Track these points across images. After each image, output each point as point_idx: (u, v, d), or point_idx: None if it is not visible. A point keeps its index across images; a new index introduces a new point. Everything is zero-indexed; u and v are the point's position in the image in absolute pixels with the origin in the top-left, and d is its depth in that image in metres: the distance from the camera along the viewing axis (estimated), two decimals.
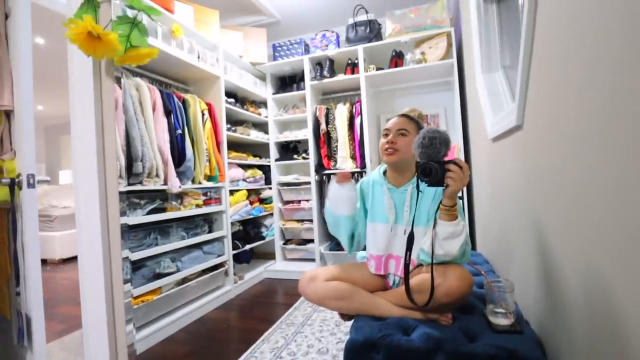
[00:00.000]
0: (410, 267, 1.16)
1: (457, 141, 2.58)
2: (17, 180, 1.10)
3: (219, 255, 2.47)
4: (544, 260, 1.02)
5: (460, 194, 1.23)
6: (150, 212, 1.93)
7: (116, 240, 0.83)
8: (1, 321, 1.30)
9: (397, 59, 2.85)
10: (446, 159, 1.07)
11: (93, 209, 0.83)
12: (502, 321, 1.03)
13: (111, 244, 0.85)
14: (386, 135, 1.29)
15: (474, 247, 2.39)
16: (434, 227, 1.08)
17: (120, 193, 0.83)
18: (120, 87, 1.73)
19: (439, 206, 1.08)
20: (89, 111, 0.73)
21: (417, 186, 1.13)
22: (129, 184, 1.78)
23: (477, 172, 2.19)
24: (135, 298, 1.79)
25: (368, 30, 2.90)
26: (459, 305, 1.11)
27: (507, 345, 0.91)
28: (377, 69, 2.84)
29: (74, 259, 4.11)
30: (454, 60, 2.59)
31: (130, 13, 0.75)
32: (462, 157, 2.57)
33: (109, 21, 0.74)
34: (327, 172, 2.94)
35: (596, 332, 0.71)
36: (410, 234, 1.13)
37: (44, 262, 4.01)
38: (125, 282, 0.87)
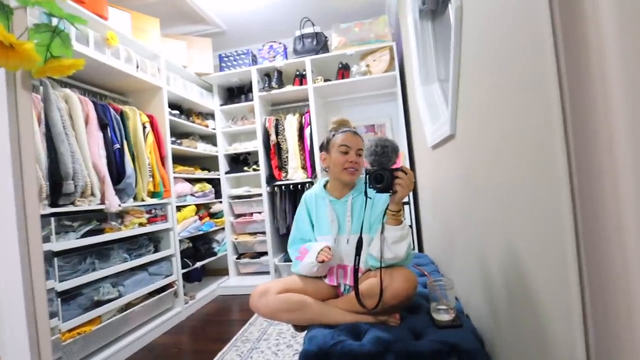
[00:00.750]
0: (359, 274, 1.18)
1: (402, 149, 2.71)
2: None
3: (167, 276, 2.33)
4: (477, 255, 1.10)
5: (406, 199, 1.29)
6: (85, 235, 1.77)
7: (38, 270, 0.75)
8: None
9: (344, 70, 2.93)
10: (394, 166, 1.12)
11: (9, 236, 0.74)
12: (444, 317, 1.10)
13: (33, 275, 0.76)
14: (346, 152, 1.29)
15: (421, 250, 2.51)
16: (382, 232, 1.12)
17: (43, 216, 0.75)
18: (41, 98, 1.58)
19: (385, 212, 1.13)
20: (1, 127, 0.65)
21: (365, 192, 1.17)
22: (59, 205, 1.62)
23: (421, 178, 2.31)
24: (69, 331, 1.62)
25: (315, 42, 2.96)
26: (406, 305, 1.17)
27: (449, 340, 0.98)
28: (325, 80, 2.90)
29: None
30: (397, 72, 2.73)
31: (52, 20, 0.69)
32: (408, 164, 2.70)
33: (24, 29, 0.67)
34: (278, 183, 2.93)
35: (519, 324, 0.78)
36: (359, 240, 1.16)
37: None
38: (52, 316, 0.78)
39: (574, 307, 0.51)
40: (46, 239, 0.71)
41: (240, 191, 3.12)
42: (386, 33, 2.80)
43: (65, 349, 1.57)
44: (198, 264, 2.76)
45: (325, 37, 3.01)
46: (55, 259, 1.57)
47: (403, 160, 2.65)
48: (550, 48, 0.49)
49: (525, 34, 0.60)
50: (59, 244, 1.59)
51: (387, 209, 1.13)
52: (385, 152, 1.11)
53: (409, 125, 2.70)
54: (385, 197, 1.17)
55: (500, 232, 0.85)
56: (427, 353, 0.97)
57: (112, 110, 2.03)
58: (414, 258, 1.37)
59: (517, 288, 0.77)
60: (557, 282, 0.57)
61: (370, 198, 1.20)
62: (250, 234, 3.14)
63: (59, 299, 1.57)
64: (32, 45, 0.63)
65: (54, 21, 0.76)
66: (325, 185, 1.40)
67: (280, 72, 3.02)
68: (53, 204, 1.59)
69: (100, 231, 1.87)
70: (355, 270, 1.13)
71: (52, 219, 1.58)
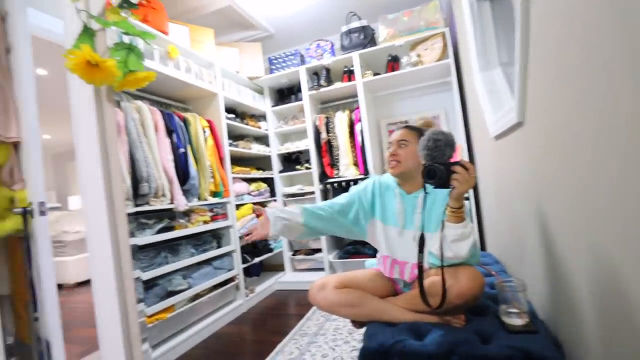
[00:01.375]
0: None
1: (459, 141, 2.58)
2: (28, 209, 1.13)
3: (229, 270, 2.47)
4: (553, 256, 1.00)
5: (466, 195, 1.23)
6: (159, 232, 1.95)
7: (127, 262, 0.84)
8: (22, 347, 1.32)
9: (394, 63, 2.86)
10: (452, 160, 1.07)
11: (102, 232, 0.85)
12: (516, 321, 1.01)
13: (122, 265, 0.86)
14: (389, 149, 1.31)
15: (483, 248, 2.37)
16: (442, 229, 1.08)
17: (128, 215, 0.85)
18: (122, 111, 1.76)
19: (445, 208, 1.08)
20: (92, 137, 0.74)
21: (424, 188, 1.13)
22: (137, 205, 1.80)
23: (482, 172, 2.18)
24: (149, 317, 1.79)
25: (362, 36, 2.92)
26: (471, 306, 1.10)
27: (522, 346, 0.90)
28: (374, 75, 2.86)
29: (88, 282, 4.14)
30: (451, 60, 2.60)
31: (125, 39, 0.77)
32: (466, 157, 2.56)
33: (105, 48, 0.76)
34: (330, 180, 2.95)
35: (610, 325, 0.70)
36: (421, 237, 1.12)
37: (59, 286, 4.03)
38: (139, 301, 0.87)
39: None
40: (131, 235, 0.80)
41: (294, 189, 3.20)
42: (437, 19, 2.68)
43: (147, 332, 1.75)
44: (256, 260, 2.88)
45: (373, 30, 2.97)
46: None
47: (460, 153, 2.52)
48: None
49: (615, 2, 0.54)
50: (138, 239, 1.77)
51: (447, 205, 1.08)
52: (437, 146, 1.07)
53: (467, 116, 2.56)
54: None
55: (585, 232, 0.77)
56: (497, 358, 0.89)
57: (176, 117, 2.19)
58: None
59: (612, 297, 0.68)
60: None
61: (427, 193, 1.16)
62: None
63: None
64: (114, 62, 0.71)
65: (125, 39, 0.85)
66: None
67: (328, 70, 3.03)
68: (133, 204, 1.77)
69: (171, 228, 2.04)
70: (420, 267, 1.10)
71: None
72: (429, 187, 1.09)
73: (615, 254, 0.64)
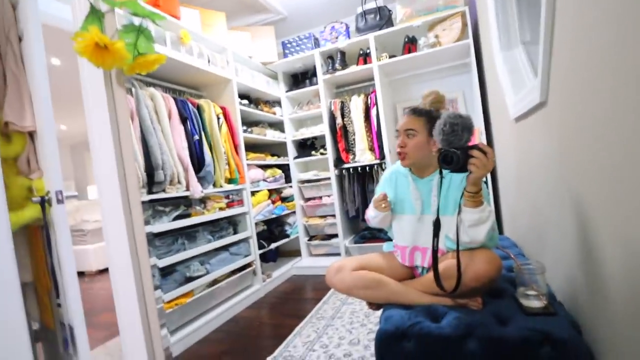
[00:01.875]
0: (438, 255, 1.13)
1: (477, 124, 2.49)
2: (46, 197, 1.15)
3: (245, 256, 2.50)
4: (580, 239, 0.96)
5: (484, 179, 1.18)
6: (175, 219, 1.98)
7: (143, 249, 0.85)
8: (46, 332, 1.37)
9: (410, 44, 2.77)
10: (469, 144, 1.03)
11: (118, 220, 0.85)
12: (535, 303, 1.00)
13: (139, 253, 0.87)
14: (398, 137, 1.27)
15: (501, 232, 2.31)
16: (459, 213, 1.05)
17: (143, 202, 0.85)
18: (133, 97, 1.76)
19: (463, 193, 1.05)
20: (104, 122, 0.74)
21: (440, 172, 1.10)
22: (152, 193, 1.82)
23: (501, 155, 2.11)
24: (168, 302, 1.84)
25: (378, 17, 2.83)
26: (488, 289, 1.09)
27: (541, 327, 0.89)
28: (390, 57, 2.77)
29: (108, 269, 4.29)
30: (470, 40, 2.49)
31: (135, 21, 0.76)
32: (484, 141, 2.48)
33: (114, 31, 0.75)
34: (346, 166, 2.92)
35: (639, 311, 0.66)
36: (436, 221, 1.10)
37: (81, 274, 4.20)
38: (156, 288, 0.88)
39: None
40: (146, 222, 0.81)
41: (309, 175, 3.19)
42: None
43: (167, 317, 1.80)
44: (273, 245, 2.91)
45: (389, 11, 2.87)
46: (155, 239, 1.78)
47: (479, 137, 2.44)
48: None
49: None
50: (155, 227, 1.80)
51: (465, 189, 1.05)
52: (454, 130, 1.02)
53: (485, 98, 2.47)
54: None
55: (611, 217, 0.73)
56: (516, 340, 0.89)
57: (190, 104, 2.19)
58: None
59: (639, 277, 0.65)
60: None
61: (443, 177, 1.13)
62: (320, 216, 3.21)
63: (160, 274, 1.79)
64: (122, 44, 0.70)
65: (135, 21, 0.83)
66: None
67: (343, 53, 2.97)
68: (148, 192, 1.80)
69: (187, 215, 2.07)
70: (434, 251, 1.08)
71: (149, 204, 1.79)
72: (445, 172, 1.06)
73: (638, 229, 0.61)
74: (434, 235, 1.09)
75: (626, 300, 0.72)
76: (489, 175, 2.39)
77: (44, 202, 1.15)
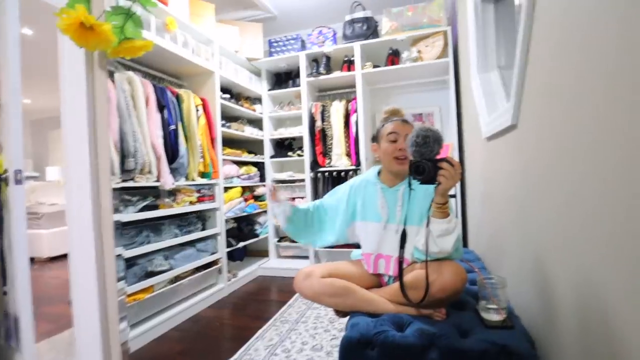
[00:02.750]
0: (404, 265, 1.18)
1: (451, 140, 2.59)
2: (3, 176, 1.07)
3: (212, 253, 2.45)
4: (535, 258, 1.03)
5: (453, 192, 1.24)
6: (142, 209, 1.91)
7: (109, 237, 0.81)
8: None
9: (394, 56, 2.84)
10: (438, 157, 1.08)
11: (85, 205, 0.81)
12: (494, 317, 1.04)
13: (104, 241, 0.83)
14: (394, 140, 1.27)
15: (466, 245, 2.41)
16: (427, 224, 1.09)
17: (114, 189, 0.81)
18: (113, 82, 1.69)
19: (431, 204, 1.09)
20: (80, 104, 0.71)
21: (410, 184, 1.14)
22: (122, 181, 1.75)
23: (472, 171, 2.20)
24: (127, 297, 1.76)
25: (365, 27, 2.88)
26: (452, 301, 1.13)
27: (498, 340, 0.93)
28: (374, 67, 2.83)
29: (62, 257, 4.05)
30: (450, 59, 2.59)
31: (124, 3, 0.73)
32: (457, 156, 2.58)
33: (102, 12, 0.72)
34: (322, 169, 2.93)
35: (586, 329, 0.72)
36: (403, 232, 1.13)
37: (31, 260, 3.94)
38: (119, 279, 0.85)
39: None
40: (115, 210, 0.77)
41: (284, 176, 3.18)
42: (441, 17, 2.67)
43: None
44: (241, 244, 2.86)
45: (376, 22, 2.93)
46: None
47: (452, 152, 2.53)
48: None
49: (617, 12, 0.53)
50: (122, 216, 1.72)
51: (432, 201, 1.09)
52: (426, 142, 1.06)
53: (460, 115, 2.57)
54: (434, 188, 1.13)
55: (565, 236, 0.79)
56: (475, 352, 0.93)
57: (169, 92, 2.13)
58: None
59: (587, 298, 0.70)
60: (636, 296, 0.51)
61: (412, 189, 1.16)
62: None
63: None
64: (109, 26, 0.67)
65: (124, 4, 0.80)
66: (378, 173, 1.38)
67: (328, 58, 2.99)
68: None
69: (155, 207, 2.00)
70: (400, 261, 1.11)
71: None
72: (414, 183, 1.10)
73: (595, 260, 0.66)
74: (400, 246, 1.12)
75: (575, 319, 0.78)
76: (458, 190, 2.49)
77: (0, 181, 1.07)
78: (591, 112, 0.65)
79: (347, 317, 1.21)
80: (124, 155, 1.71)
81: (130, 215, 1.81)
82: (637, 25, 0.49)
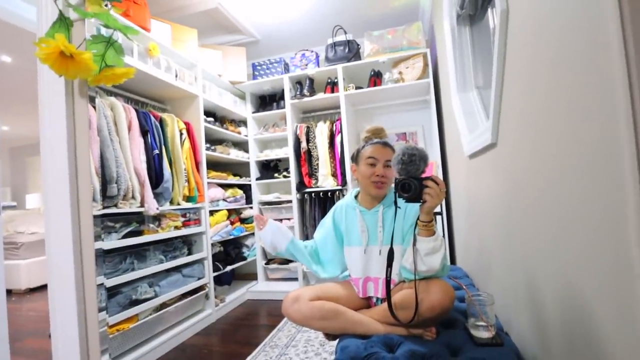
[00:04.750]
0: (391, 285, 1.18)
1: (435, 158, 2.64)
2: None
3: (199, 278, 2.39)
4: (521, 274, 1.04)
5: (439, 209, 1.25)
6: (126, 236, 1.86)
7: (90, 266, 0.79)
8: None
9: (376, 78, 2.92)
10: (423, 175, 1.10)
11: (65, 233, 0.79)
12: (484, 334, 1.04)
13: (85, 270, 0.80)
14: (373, 164, 1.28)
15: (454, 262, 2.42)
16: (415, 244, 1.09)
17: (95, 217, 0.79)
18: (95, 108, 1.68)
19: (417, 223, 1.10)
20: (60, 132, 0.69)
21: (395, 202, 1.15)
22: (104, 207, 1.71)
23: (455, 188, 2.24)
24: (110, 327, 1.69)
25: (347, 50, 2.97)
26: (442, 319, 1.12)
27: (488, 358, 0.93)
28: (357, 88, 2.90)
29: (41, 288, 3.87)
30: (430, 80, 2.68)
31: (105, 32, 0.74)
32: (440, 174, 2.63)
33: (82, 40, 0.72)
34: (308, 190, 2.94)
35: (573, 344, 0.72)
36: (390, 251, 1.14)
37: (8, 292, 3.76)
38: (100, 310, 0.81)
39: None
40: (97, 238, 0.75)
41: (271, 197, 3.16)
42: (420, 40, 2.77)
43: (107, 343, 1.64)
44: (229, 268, 2.81)
45: (358, 45, 3.02)
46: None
47: (435, 170, 2.58)
48: (618, 47, 0.45)
49: (583, 34, 0.57)
50: (104, 243, 1.67)
51: (418, 219, 1.10)
52: (412, 160, 1.08)
53: (443, 133, 2.64)
54: (417, 207, 1.14)
55: (549, 250, 0.80)
56: None
57: (152, 117, 2.12)
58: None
59: (573, 313, 0.71)
60: (623, 312, 0.52)
61: (399, 207, 1.17)
62: None
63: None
64: (90, 55, 0.67)
65: (105, 33, 0.81)
66: (356, 196, 1.39)
67: (312, 80, 3.05)
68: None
69: (139, 233, 1.95)
70: (387, 282, 1.11)
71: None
72: (401, 201, 1.11)
73: (577, 272, 0.67)
74: (387, 265, 1.12)
75: (563, 335, 0.78)
76: (444, 207, 2.52)
77: None
78: (564, 128, 0.68)
79: (337, 340, 1.19)
80: (106, 181, 1.68)
81: (113, 242, 1.76)
82: (601, 46, 0.52)
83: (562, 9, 0.63)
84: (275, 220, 3.14)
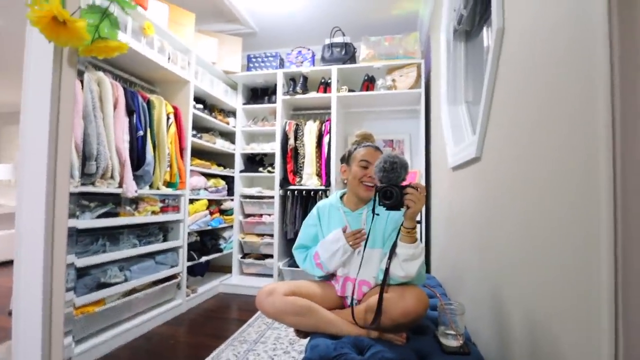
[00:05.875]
0: (367, 289, 1.22)
1: (419, 167, 2.68)
2: None
3: (172, 266, 2.34)
4: (492, 285, 1.07)
5: (418, 218, 1.27)
6: (100, 216, 1.80)
7: (61, 244, 0.76)
8: None
9: (369, 83, 2.94)
10: (404, 183, 1.12)
11: (38, 208, 0.76)
12: (452, 343, 1.06)
13: (55, 248, 0.77)
14: (365, 167, 1.30)
15: (429, 271, 2.46)
16: (394, 249, 1.11)
17: (71, 194, 0.76)
18: (82, 81, 1.63)
19: (399, 229, 1.11)
20: (44, 101, 0.67)
21: (373, 209, 1.16)
22: (80, 184, 1.65)
23: (437, 198, 2.28)
24: (75, 309, 1.63)
25: (343, 52, 2.98)
26: (414, 325, 1.14)
27: None
28: (349, 91, 2.91)
29: (7, 263, 3.71)
30: (422, 90, 2.72)
31: (101, 3, 0.71)
32: (423, 183, 2.67)
33: (77, 8, 0.69)
34: (291, 187, 2.93)
35: (536, 356, 0.75)
36: (364, 255, 1.15)
37: None
38: (68, 290, 0.79)
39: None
40: (72, 215, 0.72)
41: (253, 191, 3.13)
42: (415, 50, 2.81)
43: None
44: (204, 259, 2.76)
45: (354, 48, 3.04)
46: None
47: (419, 179, 2.62)
48: (605, 77, 0.47)
49: (577, 60, 0.59)
50: (77, 222, 1.61)
51: (401, 225, 1.12)
52: (394, 168, 1.10)
53: (429, 144, 2.68)
54: (400, 213, 1.15)
55: (521, 268, 0.83)
56: None
57: (140, 97, 2.07)
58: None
59: (538, 330, 0.74)
60: (585, 330, 0.55)
61: (377, 215, 1.19)
62: (258, 234, 3.14)
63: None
64: (84, 23, 0.65)
65: (100, 3, 0.78)
66: (342, 197, 1.40)
67: (305, 78, 3.05)
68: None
69: (114, 214, 1.90)
70: (354, 284, 1.12)
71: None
72: (379, 209, 1.12)
73: (546, 294, 0.69)
74: (359, 267, 1.13)
75: (527, 352, 0.81)
76: (423, 215, 2.56)
77: None
78: (548, 151, 0.70)
79: (308, 339, 1.19)
80: (85, 158, 1.62)
81: (87, 221, 1.71)
82: (594, 75, 0.54)
83: (559, 32, 0.65)
84: (255, 215, 3.13)
